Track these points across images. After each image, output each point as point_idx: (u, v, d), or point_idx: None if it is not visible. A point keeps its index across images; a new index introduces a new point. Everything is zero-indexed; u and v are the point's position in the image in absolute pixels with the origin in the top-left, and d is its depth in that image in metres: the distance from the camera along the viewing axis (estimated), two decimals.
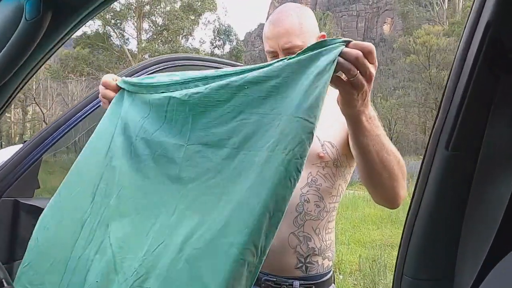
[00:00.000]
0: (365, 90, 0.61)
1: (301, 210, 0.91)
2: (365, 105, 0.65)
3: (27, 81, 0.71)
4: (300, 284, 0.92)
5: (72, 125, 1.18)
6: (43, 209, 1.09)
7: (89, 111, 1.23)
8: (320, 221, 0.93)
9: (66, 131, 1.16)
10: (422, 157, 0.65)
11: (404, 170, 0.80)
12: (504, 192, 0.55)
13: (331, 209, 0.95)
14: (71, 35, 0.65)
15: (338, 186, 0.95)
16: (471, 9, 0.56)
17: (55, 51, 0.67)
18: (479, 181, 0.58)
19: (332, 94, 0.68)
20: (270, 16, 0.97)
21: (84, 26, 0.66)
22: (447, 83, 0.61)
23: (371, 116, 0.69)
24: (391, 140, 0.80)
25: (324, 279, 0.96)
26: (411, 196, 0.66)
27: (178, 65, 1.59)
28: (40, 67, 0.70)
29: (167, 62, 1.52)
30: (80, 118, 1.20)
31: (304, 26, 0.93)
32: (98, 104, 1.25)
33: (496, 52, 0.54)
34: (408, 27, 30.38)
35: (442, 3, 28.64)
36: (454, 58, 0.61)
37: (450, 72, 0.60)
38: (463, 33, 0.58)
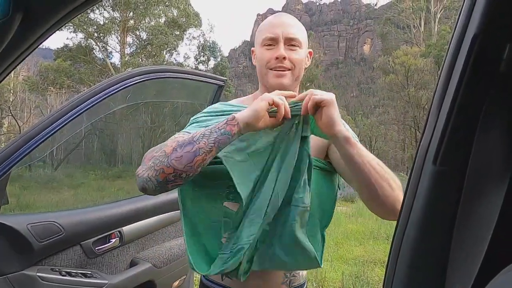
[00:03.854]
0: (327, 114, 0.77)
1: None
2: (333, 129, 0.78)
3: None
4: None
5: (45, 137, 1.12)
6: (11, 226, 1.01)
7: (63, 123, 1.17)
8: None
9: (37, 144, 1.09)
10: (401, 173, 0.64)
11: (397, 181, 0.80)
12: (493, 209, 0.54)
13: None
14: (44, 40, 0.61)
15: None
16: (457, 21, 0.56)
17: (27, 55, 0.63)
18: (468, 197, 0.57)
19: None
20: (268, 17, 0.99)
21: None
22: (434, 93, 0.60)
23: (347, 137, 0.78)
24: None
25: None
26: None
27: (161, 77, 1.56)
28: (11, 71, 0.66)
29: (150, 73, 1.49)
30: (54, 130, 1.14)
31: (303, 30, 0.96)
32: (74, 116, 1.20)
33: (483, 65, 0.53)
34: (387, 47, 31.51)
35: (419, 25, 29.93)
36: (441, 71, 0.60)
37: (437, 84, 0.59)
38: (449, 46, 0.58)
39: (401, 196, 0.77)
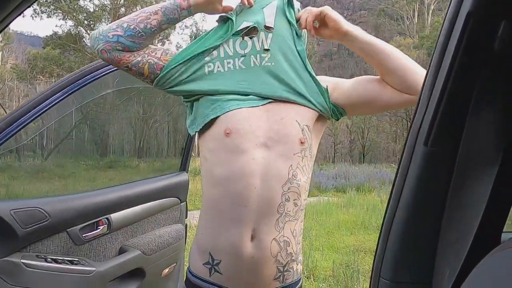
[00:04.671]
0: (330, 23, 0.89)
1: (282, 211, 0.84)
2: (342, 29, 0.89)
3: None
4: None
5: (30, 119, 1.08)
6: None
7: (49, 106, 1.13)
8: (297, 221, 0.88)
9: (21, 126, 1.06)
10: (393, 164, 0.63)
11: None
12: (484, 190, 0.53)
13: (303, 207, 0.90)
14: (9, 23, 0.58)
15: (308, 180, 0.92)
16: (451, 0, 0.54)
17: None
18: (459, 178, 0.56)
19: None
20: None
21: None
22: (426, 75, 0.59)
23: (356, 29, 0.92)
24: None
25: (298, 285, 0.92)
26: (388, 197, 0.63)
27: None
28: None
29: None
30: (39, 113, 1.11)
31: None
32: (60, 98, 1.16)
33: (477, 44, 0.52)
34: (380, 39, 31.45)
35: (413, 17, 29.94)
36: (434, 51, 0.59)
37: (430, 65, 0.58)
38: (443, 24, 0.56)
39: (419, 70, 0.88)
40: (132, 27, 0.86)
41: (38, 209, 1.12)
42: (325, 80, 0.96)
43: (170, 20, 0.88)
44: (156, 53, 0.91)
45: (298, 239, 0.89)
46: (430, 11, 28.57)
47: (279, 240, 0.84)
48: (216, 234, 0.86)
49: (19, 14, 0.59)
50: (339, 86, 0.95)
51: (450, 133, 0.56)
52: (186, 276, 0.93)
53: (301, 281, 0.94)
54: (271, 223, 0.83)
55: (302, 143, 0.87)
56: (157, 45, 0.96)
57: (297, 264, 0.90)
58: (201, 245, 0.89)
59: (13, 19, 0.60)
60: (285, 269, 0.86)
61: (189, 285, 0.91)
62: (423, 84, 0.61)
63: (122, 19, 0.88)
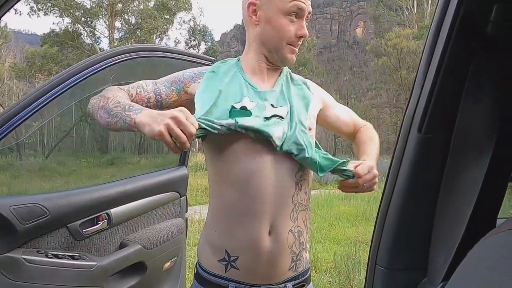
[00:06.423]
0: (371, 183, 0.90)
1: (296, 201, 0.85)
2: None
3: None
4: (293, 285, 0.88)
5: (25, 117, 1.08)
6: None
7: (40, 106, 1.13)
8: (307, 211, 0.89)
9: (16, 124, 1.06)
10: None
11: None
12: (477, 176, 0.53)
13: (310, 195, 0.92)
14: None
15: None
16: None
17: None
18: (452, 165, 0.56)
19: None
20: None
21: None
22: (419, 62, 0.59)
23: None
24: None
25: (309, 273, 0.94)
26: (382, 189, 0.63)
27: (148, 56, 1.52)
28: None
29: (136, 52, 1.45)
30: (30, 113, 1.10)
31: None
32: (57, 94, 1.16)
33: (470, 28, 0.52)
34: (380, 30, 31.32)
35: (412, 7, 29.71)
36: (427, 38, 0.58)
37: (423, 51, 0.57)
38: (436, 9, 0.55)
39: None
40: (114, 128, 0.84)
41: (38, 205, 1.12)
42: (319, 96, 1.00)
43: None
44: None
45: (308, 228, 0.91)
46: (430, 1, 28.33)
47: (294, 231, 0.85)
48: (233, 231, 0.84)
49: (10, 8, 0.59)
50: (326, 109, 1.02)
51: (443, 119, 0.56)
52: (197, 272, 0.91)
53: (309, 271, 0.95)
54: (287, 214, 0.84)
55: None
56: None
57: (306, 252, 0.92)
58: (215, 243, 0.87)
59: (4, 14, 0.59)
60: (297, 258, 0.87)
61: (202, 280, 0.89)
62: (417, 72, 0.60)
63: (98, 118, 0.84)
